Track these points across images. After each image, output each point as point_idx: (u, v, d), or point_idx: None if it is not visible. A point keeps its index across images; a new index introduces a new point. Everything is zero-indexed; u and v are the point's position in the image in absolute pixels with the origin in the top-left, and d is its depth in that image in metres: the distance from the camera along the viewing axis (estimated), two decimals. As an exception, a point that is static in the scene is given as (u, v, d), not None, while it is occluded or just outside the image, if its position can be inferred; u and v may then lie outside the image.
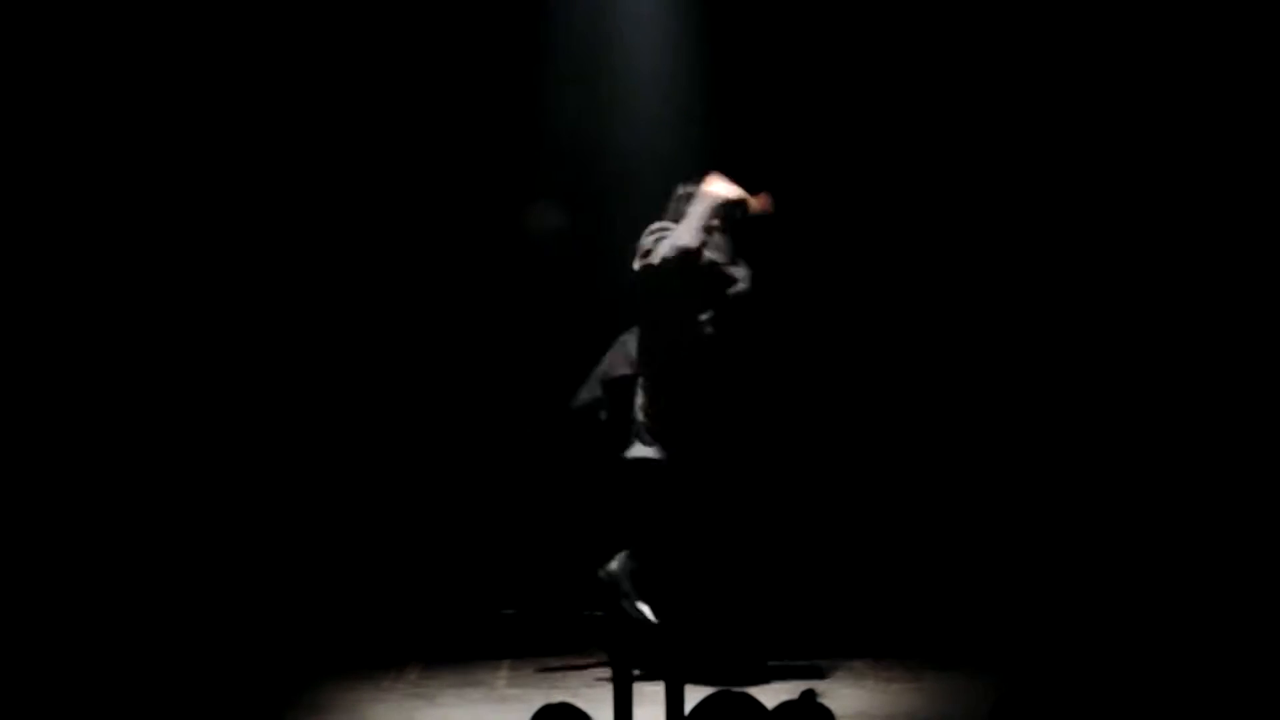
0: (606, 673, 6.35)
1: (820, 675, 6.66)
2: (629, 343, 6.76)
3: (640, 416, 6.44)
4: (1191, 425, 7.84)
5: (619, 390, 6.61)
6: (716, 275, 6.46)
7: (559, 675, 6.83)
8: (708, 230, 6.41)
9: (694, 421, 6.37)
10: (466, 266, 8.12)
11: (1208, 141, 7.85)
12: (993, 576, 7.77)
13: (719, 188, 6.47)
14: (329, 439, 8.05)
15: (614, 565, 6.35)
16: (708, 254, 6.42)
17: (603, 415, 6.78)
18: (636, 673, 6.28)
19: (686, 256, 6.32)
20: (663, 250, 6.37)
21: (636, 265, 6.46)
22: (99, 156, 7.86)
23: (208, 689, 6.64)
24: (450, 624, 7.67)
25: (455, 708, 6.41)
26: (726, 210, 6.46)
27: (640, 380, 6.49)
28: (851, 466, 8.02)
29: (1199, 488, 7.75)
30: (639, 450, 6.40)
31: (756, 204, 6.52)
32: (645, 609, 6.29)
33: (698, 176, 6.53)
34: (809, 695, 6.20)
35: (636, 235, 6.76)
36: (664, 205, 6.58)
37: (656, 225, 6.49)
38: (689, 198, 6.47)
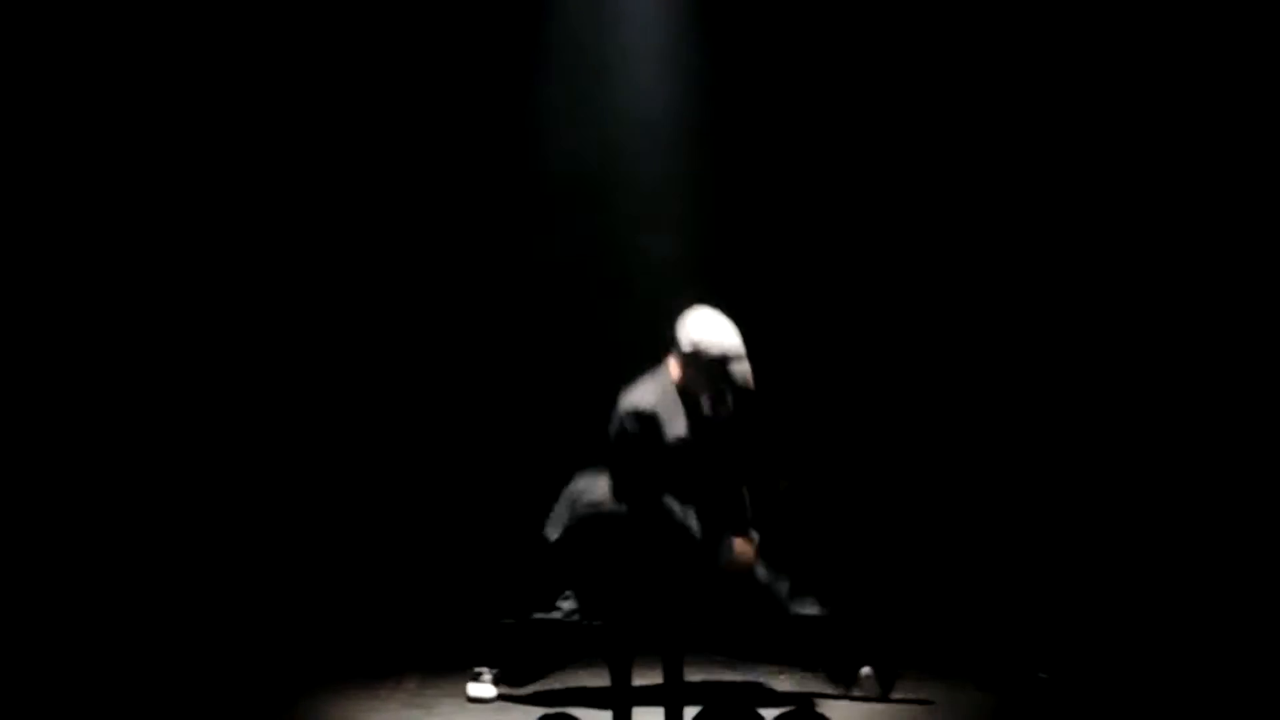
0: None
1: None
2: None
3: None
4: (1191, 435, 7.83)
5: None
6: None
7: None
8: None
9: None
10: (464, 272, 8.12)
11: (1208, 141, 7.85)
12: (993, 587, 7.76)
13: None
14: (327, 446, 8.04)
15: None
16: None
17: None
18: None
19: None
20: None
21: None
22: (99, 157, 7.86)
23: (205, 697, 6.63)
24: (449, 633, 7.65)
25: (453, 717, 6.40)
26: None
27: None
28: (852, 473, 8.02)
29: (1198, 499, 7.75)
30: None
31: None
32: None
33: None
34: (807, 706, 6.21)
35: (635, 238, 6.73)
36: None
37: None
38: None
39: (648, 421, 6.04)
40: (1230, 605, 7.27)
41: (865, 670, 6.39)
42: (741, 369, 6.10)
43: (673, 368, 6.13)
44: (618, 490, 6.09)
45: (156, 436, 7.91)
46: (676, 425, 6.10)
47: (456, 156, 8.12)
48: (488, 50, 8.06)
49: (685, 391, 6.12)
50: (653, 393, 6.10)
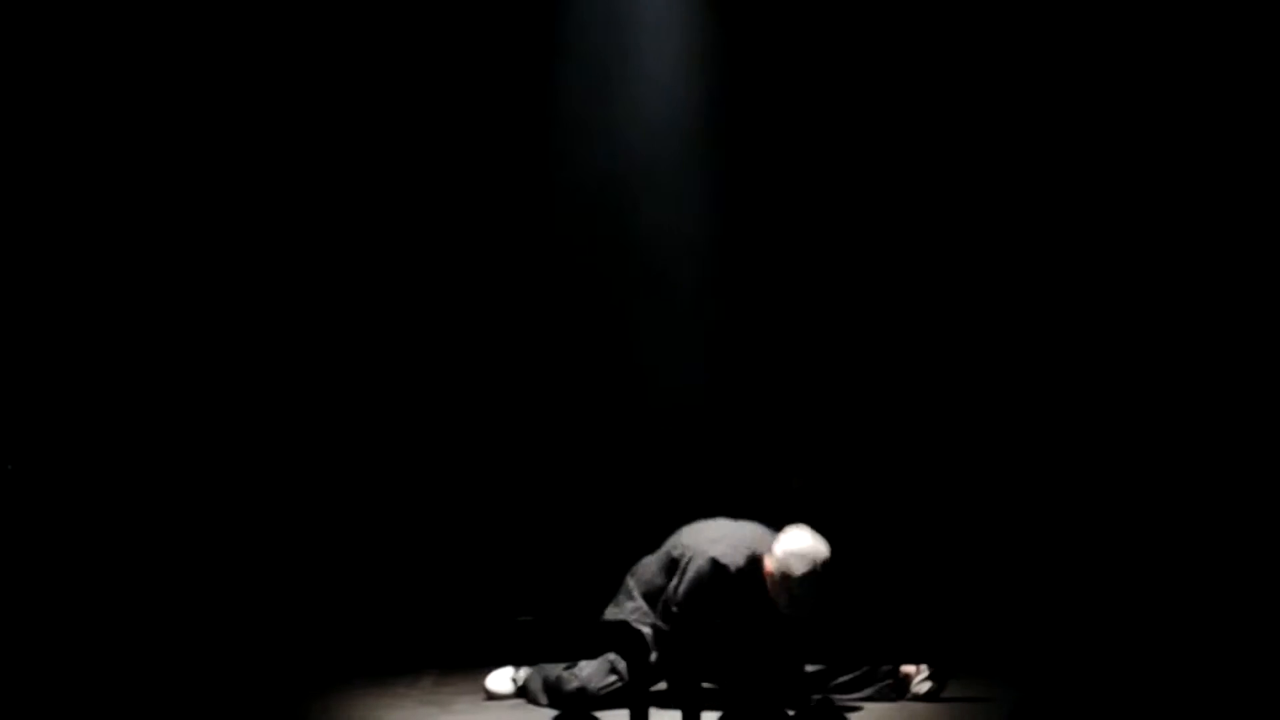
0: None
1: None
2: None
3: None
4: (1199, 430, 7.83)
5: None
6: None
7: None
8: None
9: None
10: (479, 269, 8.12)
11: (1208, 141, 7.84)
12: (1009, 585, 7.75)
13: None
14: (343, 443, 8.05)
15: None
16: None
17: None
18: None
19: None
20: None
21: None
22: (100, 156, 7.86)
23: (221, 695, 6.63)
24: (466, 631, 7.65)
25: (470, 715, 6.39)
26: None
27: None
28: (866, 474, 8.01)
29: (1211, 496, 7.74)
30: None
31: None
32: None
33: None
34: (826, 703, 6.20)
35: (645, 239, 6.71)
36: None
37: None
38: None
39: (728, 581, 6.26)
40: (1233, 606, 7.26)
41: (916, 668, 6.41)
42: (800, 607, 6.24)
43: (769, 556, 6.29)
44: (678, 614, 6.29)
45: (169, 437, 7.91)
46: (747, 601, 6.30)
47: (471, 159, 8.11)
48: (501, 53, 8.05)
49: (767, 580, 6.30)
50: (744, 559, 6.30)
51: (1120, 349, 7.98)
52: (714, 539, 6.35)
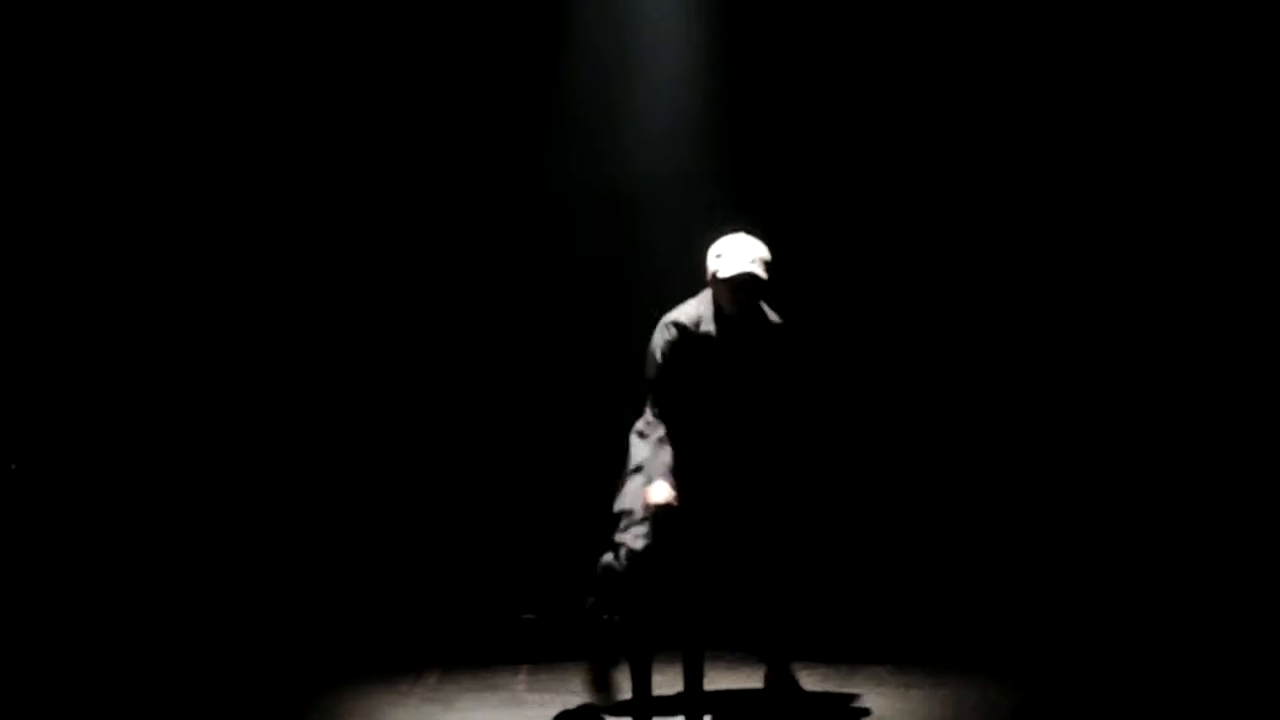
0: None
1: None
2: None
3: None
4: (1199, 430, 7.84)
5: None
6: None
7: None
8: None
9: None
10: (481, 267, 8.13)
11: (1208, 141, 7.85)
12: (1014, 582, 7.76)
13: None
14: (345, 441, 8.06)
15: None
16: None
17: None
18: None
19: None
20: None
21: None
22: (99, 156, 7.87)
23: (225, 692, 6.65)
24: (469, 628, 7.67)
25: (473, 712, 6.41)
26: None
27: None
28: (869, 468, 8.02)
29: (1211, 496, 7.75)
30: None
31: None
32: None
33: None
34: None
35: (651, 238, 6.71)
36: None
37: None
38: None
39: (680, 330, 6.15)
40: (1231, 605, 7.28)
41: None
42: (741, 286, 6.12)
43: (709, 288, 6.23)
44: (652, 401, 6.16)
45: (172, 437, 7.93)
46: (711, 339, 6.19)
47: (476, 160, 8.12)
48: (507, 53, 8.06)
49: (720, 309, 6.20)
50: (690, 308, 6.23)
51: (1119, 348, 7.99)
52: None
